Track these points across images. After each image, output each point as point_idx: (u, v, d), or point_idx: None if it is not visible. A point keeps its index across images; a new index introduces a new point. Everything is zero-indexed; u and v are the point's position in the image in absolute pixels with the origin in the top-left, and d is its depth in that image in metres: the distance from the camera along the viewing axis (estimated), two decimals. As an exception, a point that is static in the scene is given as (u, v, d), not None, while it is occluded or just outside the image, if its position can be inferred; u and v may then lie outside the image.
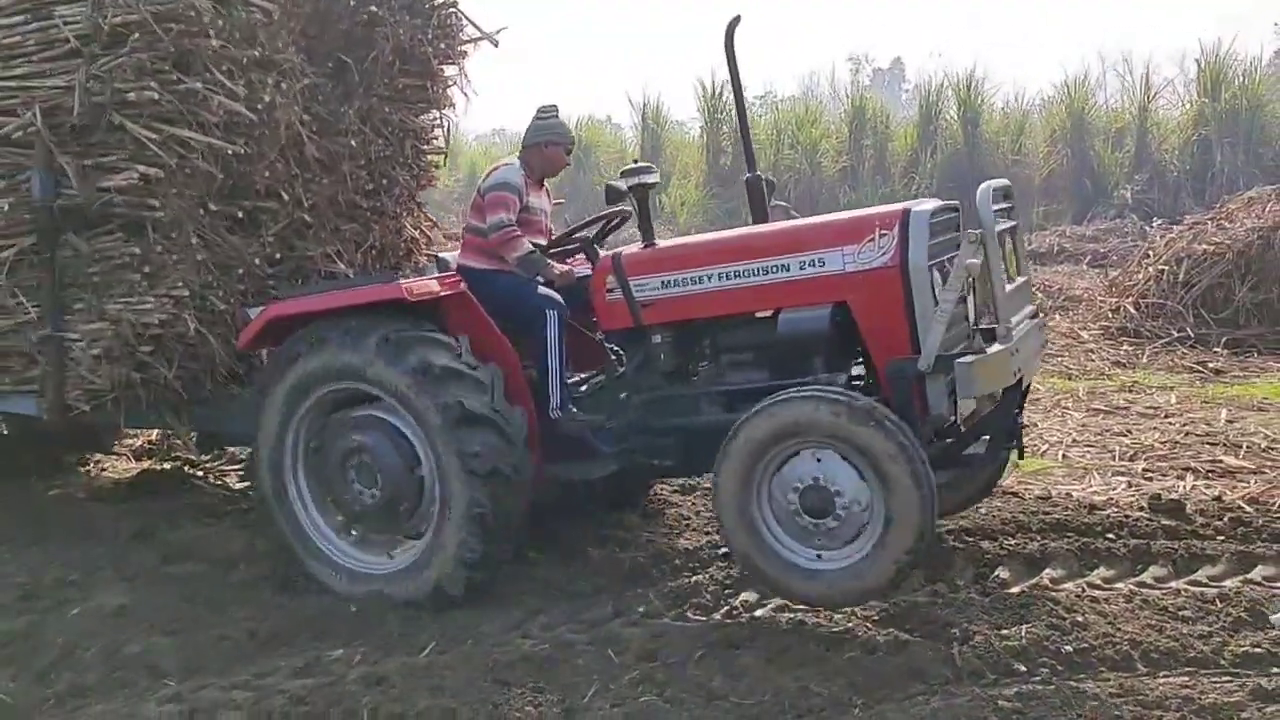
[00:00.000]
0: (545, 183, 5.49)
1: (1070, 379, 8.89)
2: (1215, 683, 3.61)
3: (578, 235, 5.20)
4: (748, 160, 5.26)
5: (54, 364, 4.80)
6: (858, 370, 4.52)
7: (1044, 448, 6.74)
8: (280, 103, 4.99)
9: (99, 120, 4.59)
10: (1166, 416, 7.44)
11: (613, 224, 5.32)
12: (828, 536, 3.95)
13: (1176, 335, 9.94)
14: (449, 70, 6.26)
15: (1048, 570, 4.68)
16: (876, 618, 4.13)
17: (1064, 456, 6.56)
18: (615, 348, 4.98)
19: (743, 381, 4.53)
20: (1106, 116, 23.95)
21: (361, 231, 5.86)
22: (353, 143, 5.57)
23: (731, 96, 6.69)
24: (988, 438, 4.42)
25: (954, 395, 4.06)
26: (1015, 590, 4.45)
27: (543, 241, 5.24)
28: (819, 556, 3.98)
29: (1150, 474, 6.05)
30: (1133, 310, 10.56)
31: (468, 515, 4.32)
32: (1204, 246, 10.33)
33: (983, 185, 4.31)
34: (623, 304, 4.64)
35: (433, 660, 3.92)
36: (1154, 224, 15.58)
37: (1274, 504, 5.33)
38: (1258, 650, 3.81)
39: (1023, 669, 3.73)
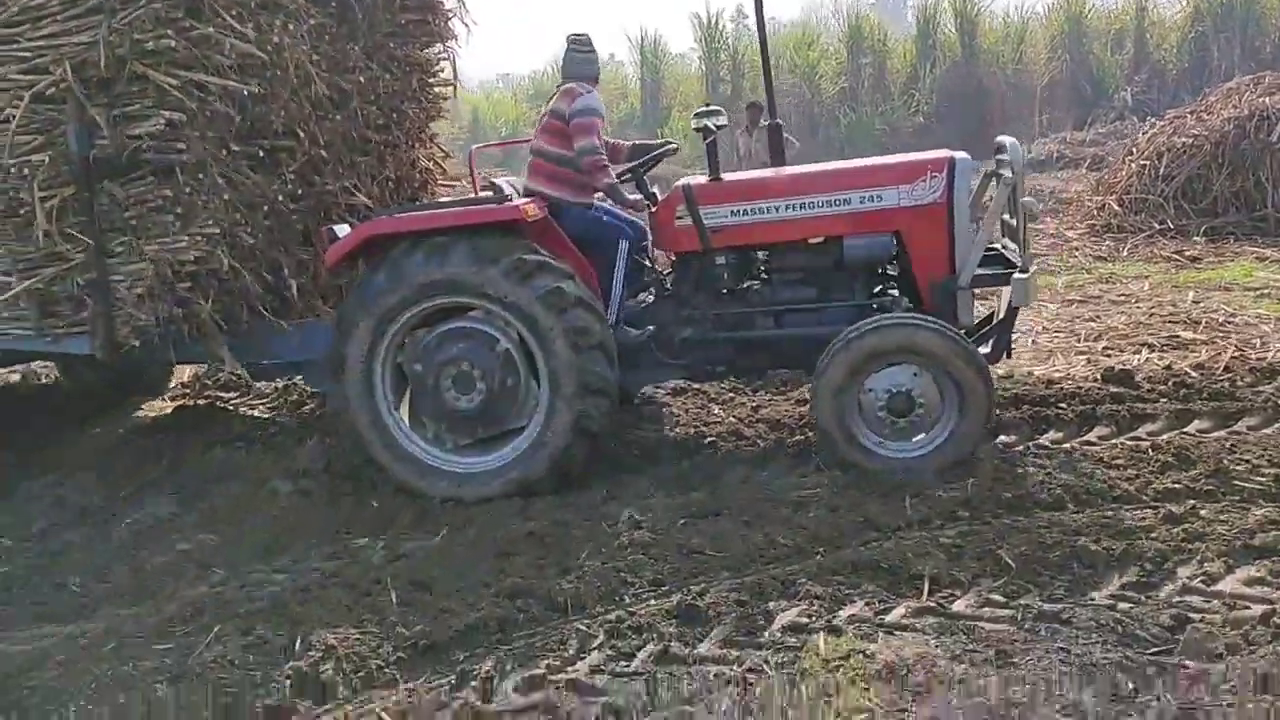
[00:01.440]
0: None
1: (1052, 274, 9.24)
2: (1134, 513, 4.09)
3: (629, 169, 5.61)
4: (770, 107, 5.95)
5: (102, 304, 5.15)
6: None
7: (1015, 336, 7.12)
8: (289, 43, 5.33)
9: (123, 71, 4.90)
10: (1136, 302, 7.82)
11: (660, 159, 5.77)
12: (894, 431, 4.71)
13: (1158, 228, 10.27)
14: (448, 2, 6.60)
15: (1001, 437, 5.13)
16: (841, 484, 4.60)
17: (1033, 342, 6.97)
18: (662, 270, 5.58)
19: (794, 300, 5.25)
20: (1105, 19, 23.85)
21: (375, 165, 6.22)
22: (361, 79, 5.92)
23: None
24: (992, 341, 5.12)
25: (973, 306, 5.02)
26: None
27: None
28: (882, 444, 4.74)
29: (1110, 351, 6.46)
30: (1116, 207, 10.87)
31: (576, 426, 4.85)
32: (1183, 139, 10.60)
33: (1010, 140, 5.07)
34: (692, 230, 5.18)
35: (445, 541, 4.43)
36: (1148, 123, 15.72)
37: (1218, 369, 5.74)
38: (1176, 487, 4.27)
39: (965, 514, 4.20)
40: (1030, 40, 23.58)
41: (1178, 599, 3.46)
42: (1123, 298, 8.02)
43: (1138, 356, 6.26)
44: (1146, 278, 8.67)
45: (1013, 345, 5.38)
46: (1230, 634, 3.15)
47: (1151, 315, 7.28)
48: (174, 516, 4.94)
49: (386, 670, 3.37)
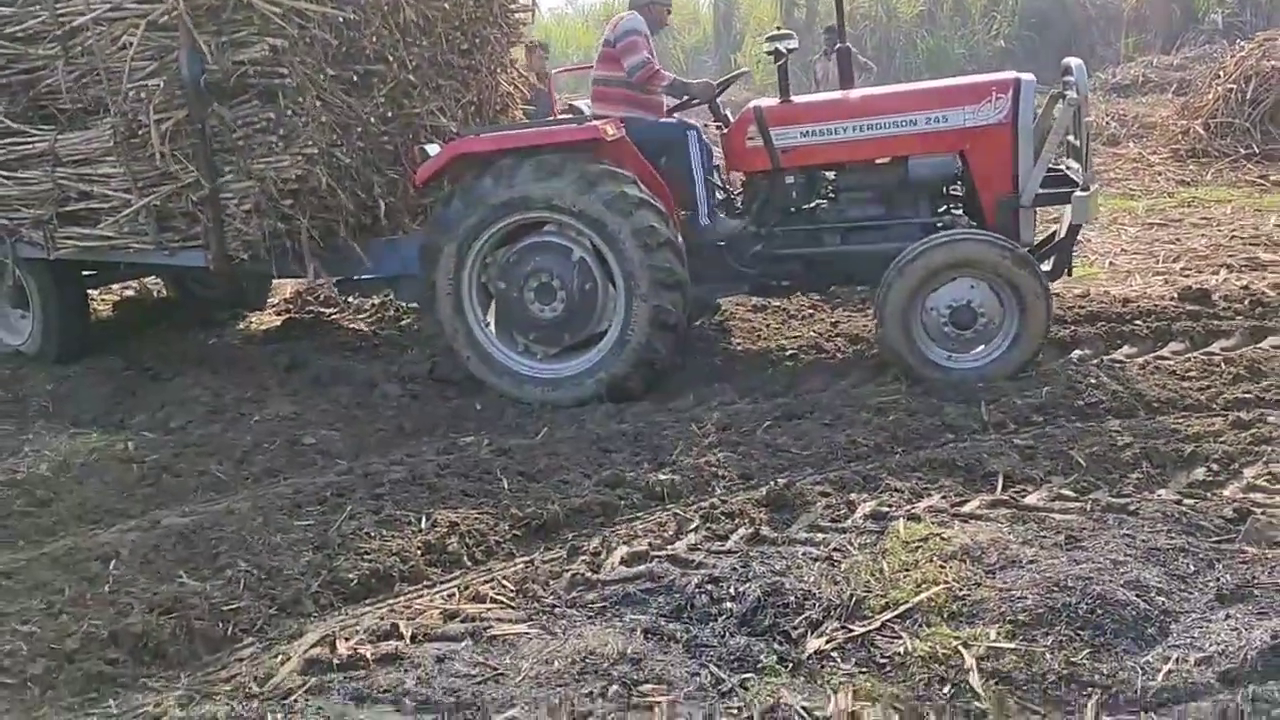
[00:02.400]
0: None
1: (1133, 199, 9.25)
2: (1204, 419, 4.28)
3: (697, 93, 5.87)
4: (840, 31, 6.08)
5: (214, 219, 5.55)
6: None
7: (1094, 258, 7.25)
8: None
9: (229, 0, 5.24)
10: (1217, 225, 7.84)
11: (732, 82, 6.05)
12: (963, 343, 4.93)
13: (1243, 153, 10.13)
14: None
15: (1076, 351, 5.32)
16: (919, 391, 4.84)
17: (1111, 264, 7.07)
18: (733, 190, 5.89)
19: (861, 217, 5.50)
20: (1198, -63, 22.91)
21: (460, 89, 6.51)
22: (445, 5, 6.18)
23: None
24: (1053, 258, 5.30)
25: (1036, 224, 5.23)
26: (1045, 367, 5.10)
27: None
28: (950, 358, 4.97)
29: (1188, 271, 6.55)
30: (1201, 131, 10.73)
31: (654, 321, 5.16)
32: (1272, 63, 10.40)
33: (1076, 61, 5.15)
34: (762, 150, 5.44)
35: (547, 438, 4.78)
36: (1237, 47, 15.28)
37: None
38: (1247, 396, 4.45)
39: (1040, 419, 4.43)
40: (1118, -40, 22.82)
41: (1241, 495, 3.66)
42: (1204, 221, 8.04)
43: (1215, 277, 6.34)
44: (1229, 201, 8.64)
45: (1073, 264, 5.49)
46: (1290, 525, 3.35)
47: (1232, 238, 7.31)
48: (295, 415, 5.35)
49: (504, 545, 3.73)
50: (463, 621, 3.23)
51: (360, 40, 5.66)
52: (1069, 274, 5.48)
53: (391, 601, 3.40)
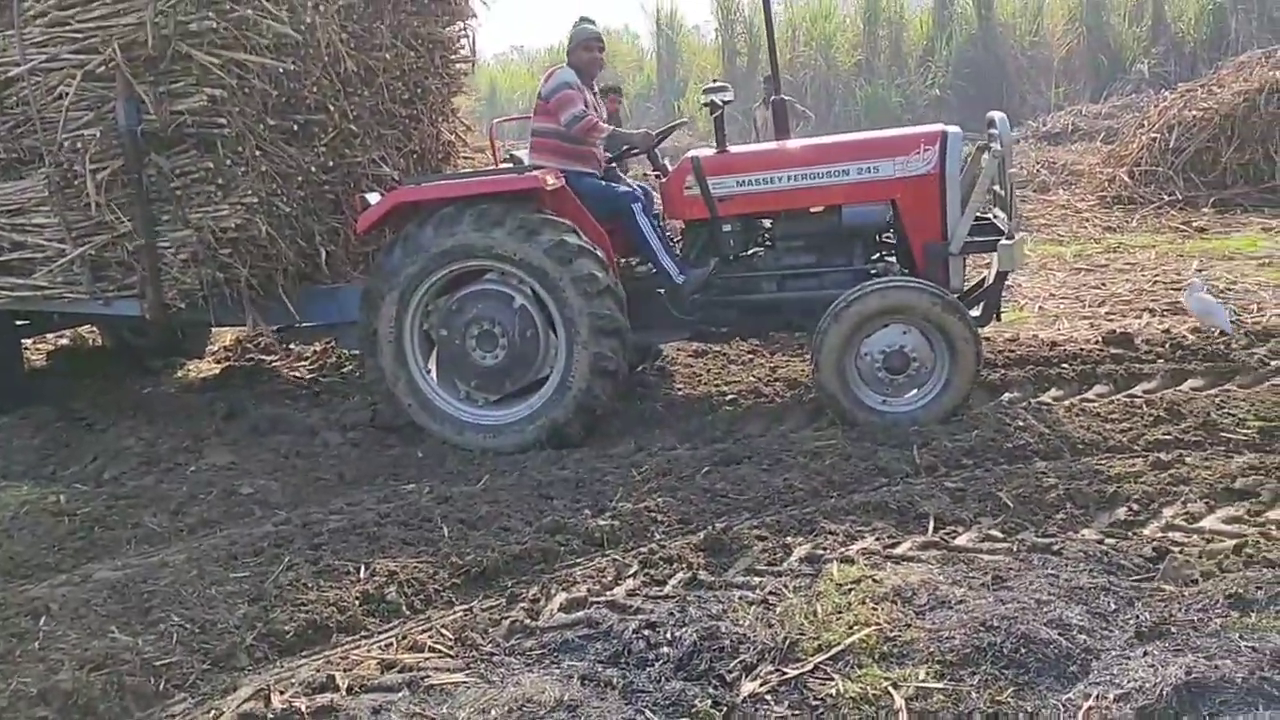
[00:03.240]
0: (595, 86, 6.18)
1: (1061, 244, 9.54)
2: (1125, 460, 4.42)
3: (610, 149, 6.01)
4: (774, 81, 6.23)
5: (150, 269, 5.54)
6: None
7: (1024, 302, 7.46)
8: (320, 22, 5.68)
9: (167, 50, 5.24)
10: (1142, 270, 8.12)
11: (671, 132, 6.19)
12: (896, 388, 5.05)
13: (1166, 199, 10.53)
14: None
15: (1006, 394, 5.47)
16: (854, 436, 4.94)
17: (1040, 308, 7.28)
18: (673, 238, 6.01)
19: (797, 264, 5.64)
20: (1124, -10, 23.83)
21: (402, 138, 6.60)
22: (387, 56, 6.28)
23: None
24: (982, 304, 5.50)
25: (964, 271, 5.42)
26: (975, 410, 5.23)
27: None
28: (884, 402, 5.10)
29: (1112, 315, 6.78)
30: (1126, 179, 11.12)
31: (595, 367, 5.23)
32: (1193, 112, 10.83)
33: (999, 115, 5.39)
34: (699, 199, 5.56)
35: (488, 485, 4.79)
36: (1161, 96, 15.87)
37: (1215, 332, 6.03)
38: (1166, 438, 4.61)
39: (969, 462, 4.55)
40: (1048, 12, 23.61)
41: (1160, 534, 3.79)
42: (1129, 266, 8.31)
43: (1139, 321, 6.56)
44: (1153, 247, 8.95)
45: (1003, 309, 5.70)
46: (1206, 563, 3.47)
47: (1155, 283, 7.57)
48: (233, 464, 5.31)
49: (443, 593, 3.74)
50: (400, 671, 3.22)
51: (301, 90, 5.71)
52: (998, 319, 5.66)
53: (328, 653, 3.38)
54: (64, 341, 7.98)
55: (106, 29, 5.34)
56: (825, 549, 3.85)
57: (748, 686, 2.97)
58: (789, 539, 3.96)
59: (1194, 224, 9.73)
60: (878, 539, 3.92)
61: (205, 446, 5.62)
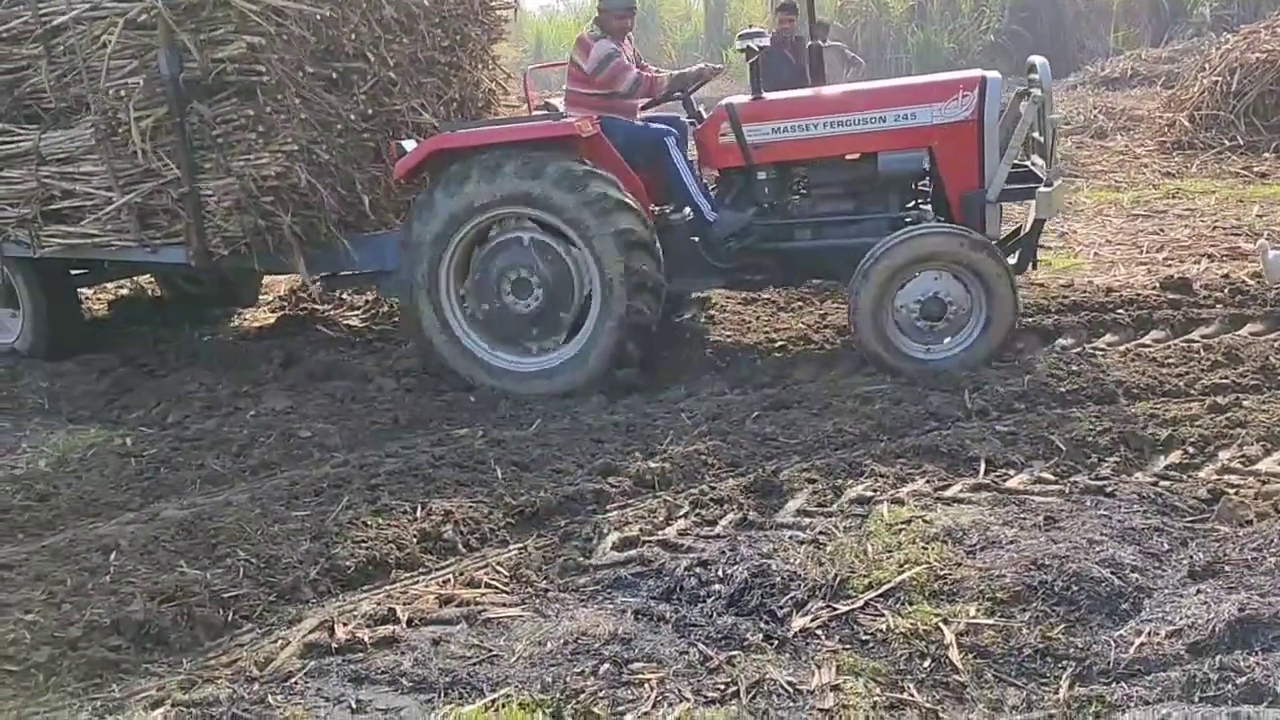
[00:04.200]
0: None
1: (1118, 190, 9.34)
2: (1181, 405, 4.37)
3: (676, 91, 5.93)
4: (810, 29, 6.14)
5: (194, 216, 5.61)
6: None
7: (1079, 249, 7.35)
8: None
9: None
10: (1201, 215, 7.95)
11: (705, 80, 6.10)
12: (937, 335, 5.02)
13: (1228, 145, 10.23)
14: None
15: (1059, 340, 5.42)
16: (904, 381, 4.92)
17: (1095, 254, 7.16)
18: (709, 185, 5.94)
19: (833, 212, 5.57)
20: (1186, -71, 23.01)
21: (441, 85, 6.56)
22: (426, 2, 6.25)
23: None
24: (1018, 252, 5.40)
25: (1001, 219, 5.29)
26: (1027, 356, 5.19)
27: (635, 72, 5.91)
28: (927, 350, 5.07)
29: (1170, 261, 6.65)
30: (1186, 124, 10.83)
31: (628, 321, 5.25)
32: (1256, 55, 10.50)
33: (1040, 59, 5.24)
34: (735, 146, 5.51)
35: (540, 430, 4.85)
36: (1223, 39, 15.38)
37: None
38: (1224, 382, 4.55)
39: (1021, 406, 4.53)
40: (1107, -46, 22.92)
41: (1216, 477, 3.76)
42: (1188, 212, 8.13)
43: (1197, 266, 6.44)
44: (1213, 193, 8.74)
45: (1039, 256, 5.61)
46: (1261, 504, 3.45)
47: (1214, 228, 7.41)
48: (291, 409, 5.42)
49: (498, 532, 3.81)
50: (458, 606, 3.31)
51: (339, 38, 5.73)
52: (1034, 267, 5.58)
53: (388, 588, 3.48)
54: (124, 291, 8.15)
55: None
56: (875, 491, 3.87)
57: (799, 622, 3.02)
58: (839, 481, 3.98)
59: (1255, 169, 9.47)
60: (928, 481, 3.93)
61: (264, 391, 5.74)
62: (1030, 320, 5.63)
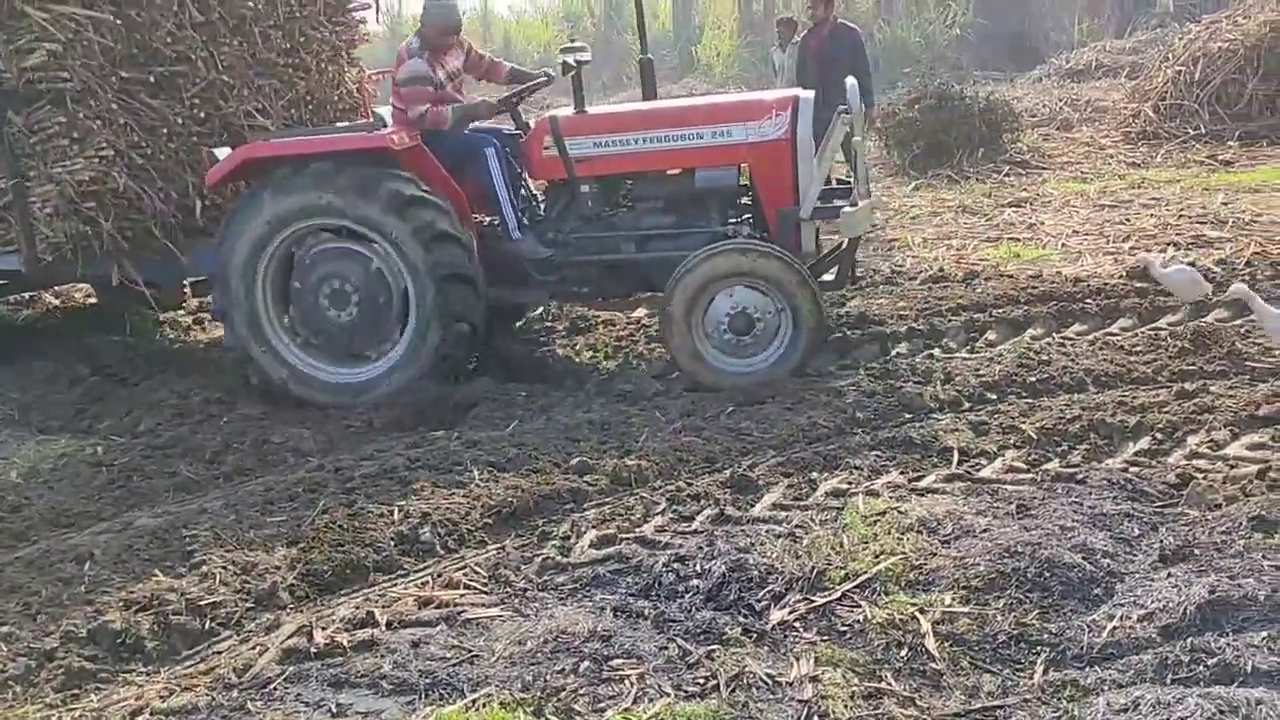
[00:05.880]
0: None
1: (1084, 181, 9.45)
2: (1149, 392, 4.43)
3: (505, 99, 6.01)
4: (641, 42, 6.30)
5: (22, 223, 5.61)
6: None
7: (1046, 240, 7.42)
8: None
9: (5, 8, 5.31)
10: (1166, 205, 8.05)
11: (533, 90, 6.15)
12: (748, 348, 5.07)
13: (1192, 134, 10.37)
14: None
15: (1029, 330, 5.47)
16: (877, 373, 4.97)
17: (1063, 245, 7.24)
18: (537, 195, 6.05)
19: (654, 226, 5.65)
20: (1149, -81, 23.25)
21: (283, 88, 6.50)
22: (258, 6, 6.19)
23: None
24: (835, 268, 5.54)
25: (818, 236, 5.38)
26: (998, 347, 5.25)
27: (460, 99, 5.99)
28: (739, 363, 5.11)
29: (1136, 250, 6.73)
30: (1151, 114, 10.96)
31: (444, 316, 5.25)
32: (1218, 44, 10.64)
33: (850, 81, 5.41)
34: (557, 159, 5.56)
35: (516, 430, 4.84)
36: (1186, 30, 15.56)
37: (1239, 263, 6.01)
38: (1190, 369, 4.61)
39: (993, 397, 4.58)
40: (1071, -53, 23.12)
41: (1184, 462, 3.82)
42: (1153, 201, 8.24)
43: (1163, 255, 6.51)
44: (1178, 182, 8.85)
45: (857, 271, 5.83)
46: (1229, 488, 3.51)
47: (1180, 216, 7.51)
48: (264, 414, 5.39)
49: (476, 533, 3.81)
50: (437, 608, 3.31)
51: (152, 42, 5.69)
52: (852, 281, 5.80)
53: (366, 591, 3.48)
54: (91, 300, 8.05)
55: None
56: (850, 484, 3.90)
57: (777, 614, 3.04)
58: (814, 475, 4.01)
59: (1219, 158, 9.60)
60: (902, 473, 3.96)
61: (236, 398, 5.68)
62: (1000, 311, 5.69)
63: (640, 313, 6.44)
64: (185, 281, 6.74)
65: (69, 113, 5.42)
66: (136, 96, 5.67)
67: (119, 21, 5.46)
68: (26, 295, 7.64)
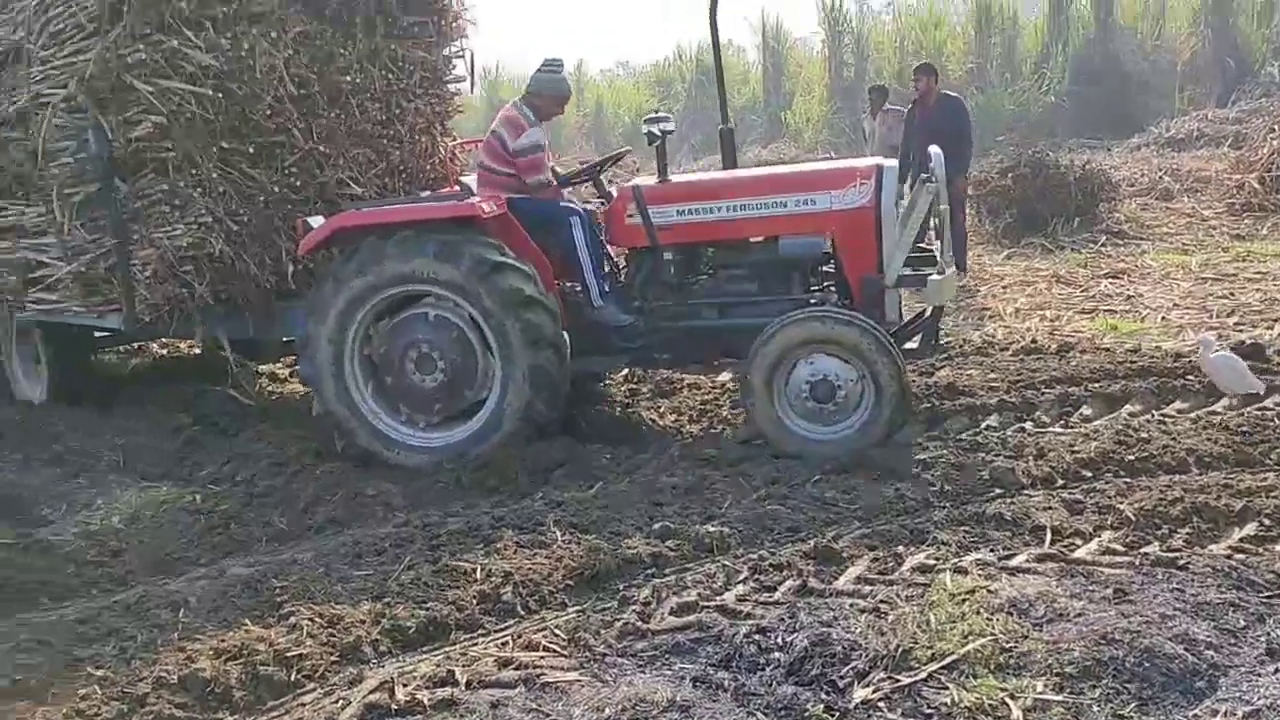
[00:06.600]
0: None
1: (1185, 253, 9.21)
2: (1256, 475, 4.26)
3: (589, 169, 6.27)
4: (722, 112, 6.33)
5: (124, 285, 5.88)
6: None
7: (1145, 313, 7.23)
8: (264, 49, 5.85)
9: (116, 82, 5.58)
10: (1273, 279, 7.78)
11: (615, 161, 6.38)
12: (829, 417, 5.06)
13: (1299, 206, 10.04)
14: (454, 5, 7.08)
15: (1127, 407, 5.32)
16: (966, 446, 4.87)
17: (1163, 319, 7.05)
18: (619, 263, 6.11)
19: (736, 293, 5.68)
20: (1252, -11, 22.84)
21: (376, 158, 6.67)
22: (356, 79, 6.41)
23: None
24: (919, 336, 5.52)
25: (901, 304, 5.40)
26: (1094, 422, 5.11)
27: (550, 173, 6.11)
28: (820, 431, 5.08)
29: (1242, 326, 6.51)
30: (1256, 185, 10.67)
31: (533, 382, 5.33)
32: (1328, 115, 10.31)
33: (934, 150, 5.45)
34: (641, 227, 5.64)
35: (599, 492, 4.86)
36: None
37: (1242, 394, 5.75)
38: (1301, 451, 4.41)
39: (1088, 474, 4.45)
40: (1170, 14, 22.79)
41: (1294, 551, 3.65)
42: (1259, 275, 7.99)
43: (1270, 331, 6.30)
44: (1286, 255, 8.58)
45: (940, 339, 5.74)
46: (1344, 581, 3.34)
47: (1288, 292, 7.26)
48: (356, 468, 5.51)
49: (557, 595, 3.82)
50: (517, 669, 3.31)
51: (252, 115, 5.90)
52: (935, 349, 5.72)
53: (448, 649, 3.50)
54: (196, 351, 8.36)
55: (73, 65, 5.73)
56: (937, 559, 3.82)
57: (860, 693, 2.98)
58: (900, 549, 3.93)
59: (1329, 231, 9.31)
60: (992, 550, 3.86)
61: (329, 450, 5.82)
62: (1096, 386, 5.55)
63: (725, 376, 6.45)
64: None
65: (171, 181, 5.69)
66: (236, 166, 5.92)
67: (221, 95, 5.72)
68: (134, 345, 7.99)
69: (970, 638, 3.17)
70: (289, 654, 3.41)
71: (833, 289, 5.67)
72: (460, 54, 7.32)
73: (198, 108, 5.67)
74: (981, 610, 3.34)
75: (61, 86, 5.75)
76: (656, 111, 6.09)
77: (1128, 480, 4.33)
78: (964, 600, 3.43)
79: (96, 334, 7.09)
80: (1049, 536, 3.91)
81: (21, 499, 5.42)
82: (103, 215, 5.83)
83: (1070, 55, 22.03)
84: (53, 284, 6.22)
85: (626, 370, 6.56)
